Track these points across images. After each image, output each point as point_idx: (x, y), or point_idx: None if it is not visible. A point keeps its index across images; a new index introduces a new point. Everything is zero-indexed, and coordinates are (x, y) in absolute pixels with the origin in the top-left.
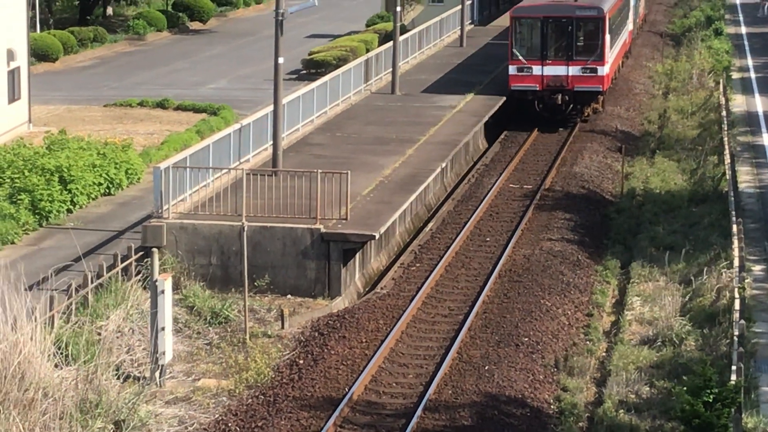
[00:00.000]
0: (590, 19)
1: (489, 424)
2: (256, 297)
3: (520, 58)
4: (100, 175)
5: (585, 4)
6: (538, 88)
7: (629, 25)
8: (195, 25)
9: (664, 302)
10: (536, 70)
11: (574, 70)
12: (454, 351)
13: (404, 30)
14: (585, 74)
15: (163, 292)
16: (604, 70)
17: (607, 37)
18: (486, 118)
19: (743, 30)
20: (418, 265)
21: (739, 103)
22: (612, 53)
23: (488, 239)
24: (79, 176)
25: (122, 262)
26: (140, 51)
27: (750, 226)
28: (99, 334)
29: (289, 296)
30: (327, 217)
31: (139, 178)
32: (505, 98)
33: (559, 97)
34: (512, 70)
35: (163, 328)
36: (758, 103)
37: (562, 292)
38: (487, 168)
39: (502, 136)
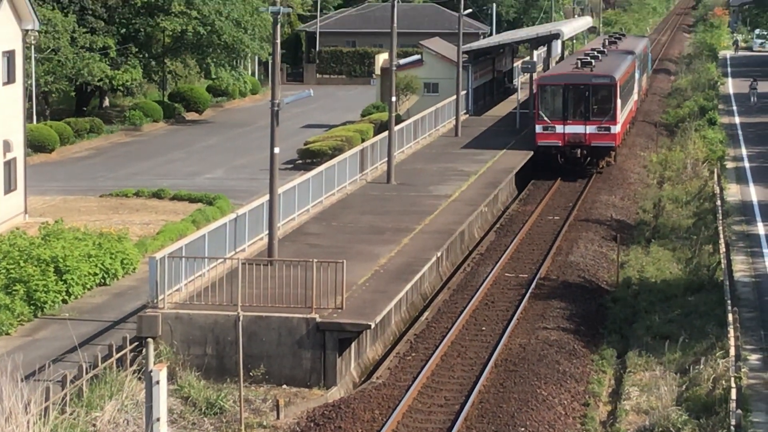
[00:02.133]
0: (604, 85)
1: None
2: (251, 387)
3: (545, 118)
4: (96, 266)
5: (600, 72)
6: (560, 144)
7: (635, 95)
8: (191, 116)
9: (660, 392)
10: (559, 128)
11: (591, 129)
12: None
13: (399, 120)
14: (600, 132)
15: (158, 382)
16: (617, 128)
17: (619, 101)
18: (482, 207)
19: (737, 120)
20: (413, 354)
21: (733, 192)
22: (623, 115)
23: (484, 328)
24: (74, 266)
25: (117, 353)
26: (136, 141)
27: (746, 315)
28: (94, 425)
29: (284, 386)
30: (323, 307)
31: (134, 268)
32: (500, 186)
33: (579, 151)
34: (538, 128)
35: (158, 419)
36: (753, 193)
37: (559, 381)
38: (482, 257)
39: (498, 225)
